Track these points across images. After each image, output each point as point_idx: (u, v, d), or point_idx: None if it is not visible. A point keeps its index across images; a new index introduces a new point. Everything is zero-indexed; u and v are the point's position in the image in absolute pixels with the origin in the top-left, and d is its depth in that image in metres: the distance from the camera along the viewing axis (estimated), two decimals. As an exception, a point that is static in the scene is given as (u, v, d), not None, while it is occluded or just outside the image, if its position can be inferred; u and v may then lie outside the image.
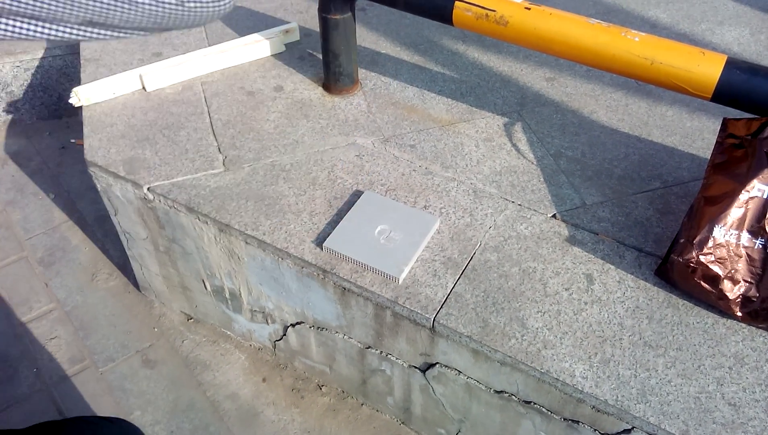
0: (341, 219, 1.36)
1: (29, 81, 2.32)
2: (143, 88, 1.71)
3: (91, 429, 0.91)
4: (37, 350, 1.75)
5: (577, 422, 1.18)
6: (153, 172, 1.48)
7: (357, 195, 1.42)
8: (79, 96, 1.64)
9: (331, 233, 1.33)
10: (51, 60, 2.28)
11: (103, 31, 0.57)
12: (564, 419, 1.19)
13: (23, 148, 2.33)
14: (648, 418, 1.07)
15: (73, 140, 2.36)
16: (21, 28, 0.54)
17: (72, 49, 2.27)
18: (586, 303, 1.24)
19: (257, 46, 1.81)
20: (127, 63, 1.78)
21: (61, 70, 2.32)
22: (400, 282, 1.26)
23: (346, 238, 1.31)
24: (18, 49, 2.24)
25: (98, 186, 1.58)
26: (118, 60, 1.80)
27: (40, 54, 2.25)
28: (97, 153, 1.53)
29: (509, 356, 1.17)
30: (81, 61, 1.80)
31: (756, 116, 1.20)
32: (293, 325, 1.55)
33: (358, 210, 1.37)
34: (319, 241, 1.33)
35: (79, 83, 1.70)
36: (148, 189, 1.46)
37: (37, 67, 2.28)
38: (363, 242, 1.31)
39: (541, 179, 1.48)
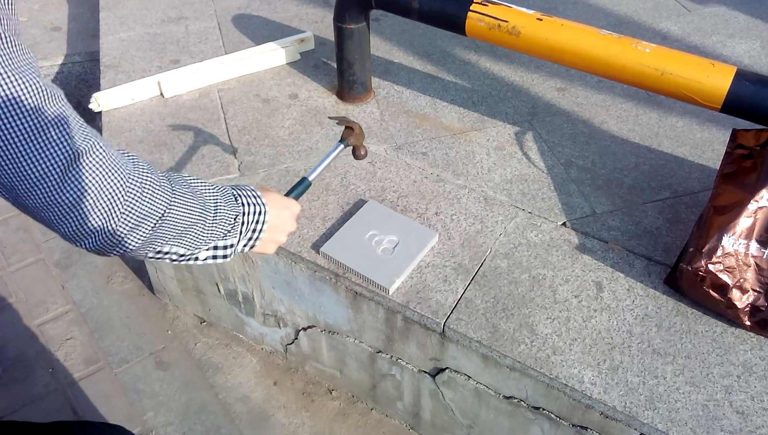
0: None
1: (49, 87, 2.36)
2: (161, 94, 1.74)
3: (96, 433, 0.94)
4: (52, 351, 1.78)
5: (586, 428, 1.19)
6: (170, 177, 1.51)
7: (365, 202, 1.45)
8: (99, 101, 1.67)
9: (329, 239, 1.35)
10: (70, 66, 2.33)
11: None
12: (572, 425, 1.20)
13: (42, 153, 2.36)
14: (656, 425, 1.08)
15: (90, 145, 2.39)
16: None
17: (90, 57, 2.32)
18: (595, 310, 1.25)
19: (273, 55, 1.85)
20: (146, 70, 1.82)
21: (79, 76, 2.36)
22: (390, 293, 1.27)
23: (343, 245, 1.33)
24: (38, 55, 2.29)
25: (116, 190, 1.61)
26: (137, 67, 1.84)
27: (59, 60, 2.30)
28: (115, 157, 1.56)
29: (519, 362, 1.18)
30: (101, 68, 1.84)
31: (765, 127, 1.21)
32: (305, 329, 1.57)
33: (359, 218, 1.39)
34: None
35: (97, 89, 1.74)
36: (165, 193, 1.49)
37: (57, 73, 2.32)
38: (359, 251, 1.32)
39: (552, 188, 1.50)
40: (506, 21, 1.32)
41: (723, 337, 1.21)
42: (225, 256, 0.87)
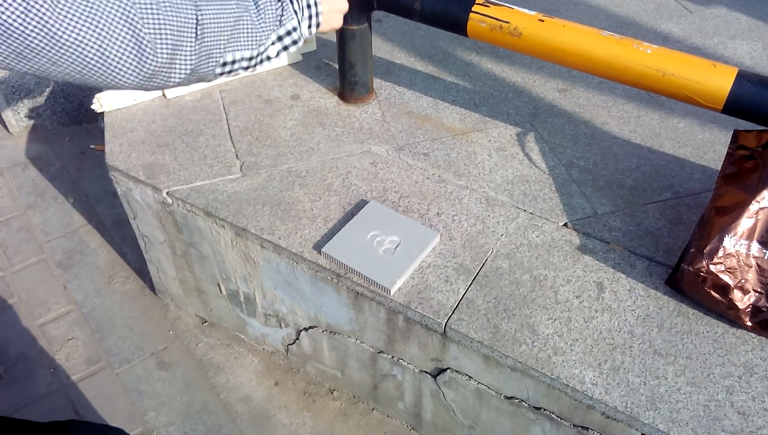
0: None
1: (51, 88, 2.37)
2: (163, 95, 1.75)
3: (93, 434, 0.94)
4: (54, 351, 1.78)
5: (587, 429, 1.19)
6: (172, 177, 1.52)
7: (366, 203, 1.45)
8: (101, 102, 1.68)
9: (331, 239, 1.35)
10: (73, 67, 2.33)
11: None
12: (574, 425, 1.21)
13: (44, 153, 2.37)
14: (657, 425, 1.08)
15: (92, 146, 2.40)
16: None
17: (93, 57, 2.32)
18: (596, 311, 1.25)
19: (275, 56, 1.85)
20: (148, 71, 1.82)
21: (82, 77, 2.37)
22: (391, 294, 1.28)
23: (345, 246, 1.33)
24: (41, 56, 2.29)
25: (118, 190, 1.62)
26: (139, 68, 1.84)
27: (62, 61, 2.30)
28: (117, 157, 1.57)
29: (520, 362, 1.18)
30: (103, 69, 1.84)
31: (766, 128, 1.21)
32: (306, 330, 1.57)
33: (360, 219, 1.39)
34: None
35: (99, 90, 1.74)
36: (167, 193, 1.49)
37: (59, 74, 2.33)
38: (361, 251, 1.32)
39: (553, 188, 1.50)
40: (508, 22, 1.32)
41: (724, 338, 1.21)
42: (295, 42, 0.84)
